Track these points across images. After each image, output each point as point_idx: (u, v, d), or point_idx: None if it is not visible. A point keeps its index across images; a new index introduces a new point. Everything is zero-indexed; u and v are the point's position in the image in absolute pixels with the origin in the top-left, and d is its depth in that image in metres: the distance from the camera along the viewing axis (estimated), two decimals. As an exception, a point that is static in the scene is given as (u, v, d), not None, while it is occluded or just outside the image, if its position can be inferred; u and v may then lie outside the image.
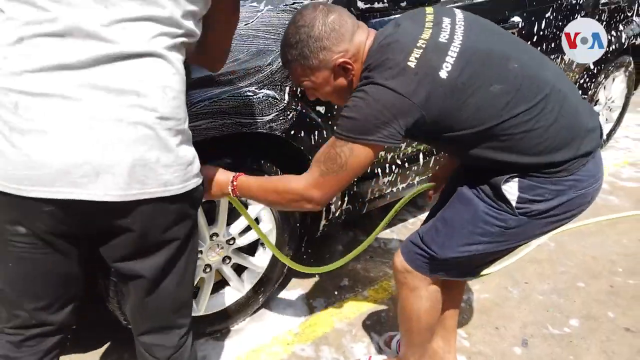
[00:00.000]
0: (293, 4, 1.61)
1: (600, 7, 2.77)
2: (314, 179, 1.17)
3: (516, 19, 2.24)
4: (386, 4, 1.65)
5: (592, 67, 2.92)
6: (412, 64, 1.09)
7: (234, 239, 1.74)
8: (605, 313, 1.98)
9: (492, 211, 1.24)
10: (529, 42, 2.35)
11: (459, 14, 1.22)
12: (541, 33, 2.42)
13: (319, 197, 1.18)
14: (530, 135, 1.14)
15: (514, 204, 1.21)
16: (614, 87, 3.34)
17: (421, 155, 2.19)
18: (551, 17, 2.44)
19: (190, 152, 0.93)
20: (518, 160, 1.17)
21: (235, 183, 1.26)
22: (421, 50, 1.10)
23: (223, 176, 1.27)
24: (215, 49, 1.13)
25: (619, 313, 1.98)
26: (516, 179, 1.20)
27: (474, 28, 1.17)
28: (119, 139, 0.82)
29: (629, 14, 3.04)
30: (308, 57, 1.19)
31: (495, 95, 1.11)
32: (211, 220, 1.66)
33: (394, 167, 2.10)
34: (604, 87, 3.22)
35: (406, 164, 2.15)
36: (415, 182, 2.26)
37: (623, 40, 3.03)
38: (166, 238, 0.96)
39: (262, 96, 1.52)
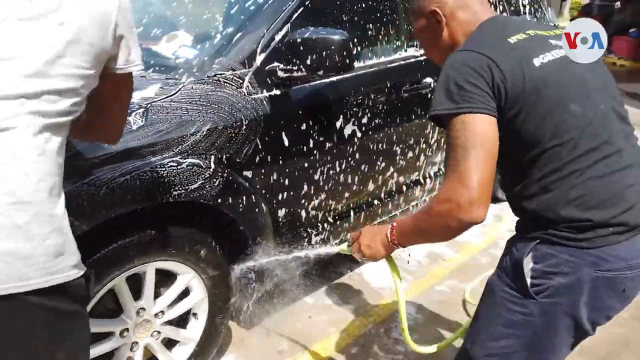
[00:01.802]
0: (214, 75, 1.66)
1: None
2: (451, 178, 1.03)
3: (428, 79, 2.42)
4: (304, 72, 1.73)
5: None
6: (512, 40, 1.09)
7: (162, 312, 1.68)
8: None
9: (511, 294, 1.11)
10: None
11: None
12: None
13: (468, 192, 1.00)
14: (569, 177, 1.04)
15: (528, 279, 1.08)
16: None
17: (352, 212, 2.26)
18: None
19: (60, 241, 0.83)
20: (542, 205, 1.07)
21: (394, 224, 1.22)
22: (527, 36, 1.11)
23: (383, 226, 1.26)
24: (109, 124, 1.08)
25: None
26: (533, 247, 1.08)
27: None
28: None
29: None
30: (413, 1, 1.30)
31: (568, 114, 1.05)
32: (137, 294, 1.60)
33: (324, 224, 2.14)
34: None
35: (337, 221, 2.20)
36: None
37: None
38: (27, 343, 0.83)
39: (187, 165, 1.53)
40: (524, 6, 3.42)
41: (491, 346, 1.15)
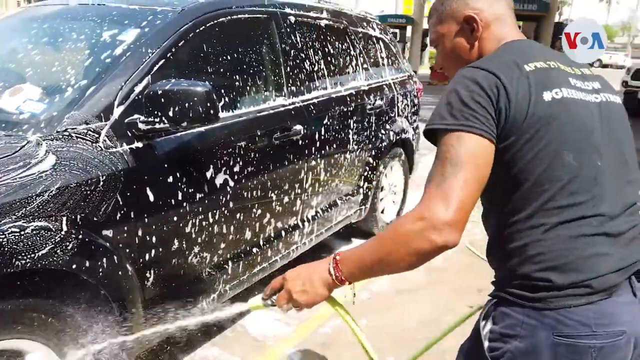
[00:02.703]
0: (65, 130, 1.55)
1: (367, 112, 3.28)
2: (433, 195, 0.92)
3: (298, 127, 2.50)
4: (167, 124, 1.69)
5: (371, 161, 3.38)
6: (528, 67, 0.99)
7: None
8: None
9: (472, 353, 1.04)
10: (313, 147, 2.64)
11: (609, 93, 1.09)
12: (322, 137, 2.73)
13: (447, 212, 0.89)
14: (537, 229, 0.96)
15: (486, 343, 0.99)
16: (394, 174, 3.90)
17: (230, 263, 2.20)
18: (328, 123, 2.79)
19: None
20: (504, 256, 1.00)
21: (337, 258, 1.03)
22: (546, 66, 1.01)
23: (317, 264, 1.06)
24: None
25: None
26: (491, 306, 1.01)
27: (607, 111, 1.05)
28: None
29: (392, 115, 3.66)
30: (445, 3, 1.14)
31: (560, 163, 0.96)
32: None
33: (201, 279, 2.06)
34: (385, 175, 3.73)
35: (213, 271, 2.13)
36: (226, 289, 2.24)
37: (392, 136, 3.59)
38: None
39: (33, 230, 1.39)
40: (382, 58, 3.73)
41: None
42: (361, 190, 3.36)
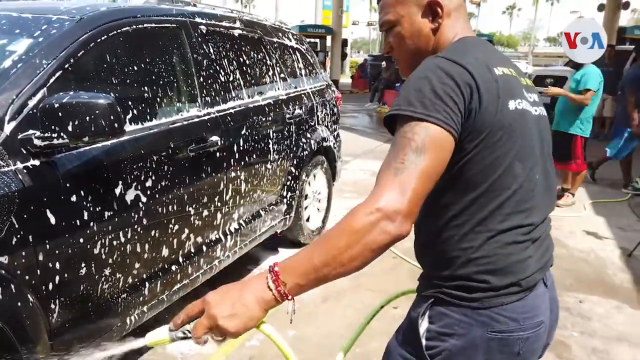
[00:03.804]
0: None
1: (287, 121, 3.28)
2: (390, 184, 0.87)
3: (214, 138, 2.45)
4: (67, 140, 1.58)
5: (293, 170, 3.38)
6: (497, 71, 0.98)
7: None
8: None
9: (406, 358, 1.04)
10: (232, 158, 2.60)
11: (542, 106, 1.12)
12: (241, 148, 2.70)
13: (402, 203, 0.85)
14: (482, 234, 0.98)
15: (423, 341, 1.00)
16: (317, 182, 3.92)
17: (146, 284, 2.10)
18: (247, 134, 2.76)
19: None
20: (445, 257, 1.01)
21: (276, 269, 0.88)
22: (509, 73, 1.01)
23: (248, 281, 0.90)
24: None
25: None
26: (428, 306, 1.01)
27: (542, 125, 1.08)
28: None
29: (312, 124, 3.69)
30: None
31: (511, 172, 0.97)
32: None
33: (116, 303, 1.94)
34: (309, 184, 3.74)
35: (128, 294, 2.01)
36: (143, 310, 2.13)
37: (313, 145, 3.62)
38: None
39: None
40: (300, 68, 3.76)
41: None
42: (285, 199, 3.35)
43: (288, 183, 3.36)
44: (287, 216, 3.43)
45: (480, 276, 0.97)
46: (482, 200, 0.97)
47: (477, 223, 0.98)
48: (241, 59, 2.94)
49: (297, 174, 3.45)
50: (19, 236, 1.52)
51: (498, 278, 0.97)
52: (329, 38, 20.04)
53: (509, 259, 0.98)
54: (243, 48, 3.00)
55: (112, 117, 1.63)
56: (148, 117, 2.13)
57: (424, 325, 1.01)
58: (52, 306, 1.67)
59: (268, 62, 3.28)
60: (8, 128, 1.56)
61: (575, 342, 2.66)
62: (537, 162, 1.03)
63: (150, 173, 2.05)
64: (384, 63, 13.32)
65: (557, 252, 3.83)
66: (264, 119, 2.99)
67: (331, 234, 0.89)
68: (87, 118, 1.58)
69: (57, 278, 1.67)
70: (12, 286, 1.50)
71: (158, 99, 2.23)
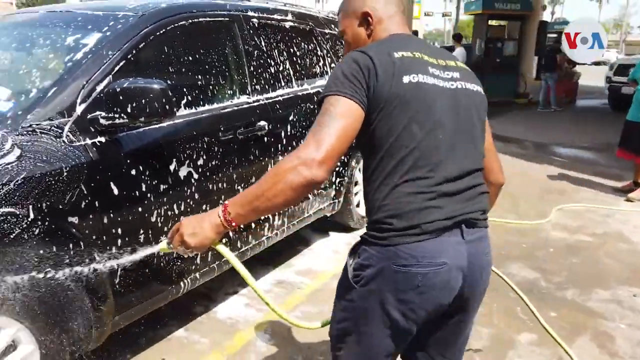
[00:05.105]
0: (29, 126, 1.70)
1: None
2: (308, 141, 1.14)
3: (262, 123, 2.65)
4: (126, 120, 1.84)
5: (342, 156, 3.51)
6: (396, 54, 1.23)
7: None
8: None
9: (343, 285, 1.29)
10: (279, 142, 2.78)
11: (467, 82, 1.32)
12: (289, 133, 2.88)
13: (317, 152, 1.11)
14: (386, 186, 1.19)
15: (350, 271, 1.25)
16: (368, 169, 4.04)
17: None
18: (294, 120, 2.94)
19: None
20: (367, 207, 1.25)
21: (226, 202, 1.19)
22: (411, 56, 1.24)
23: (210, 212, 1.22)
24: None
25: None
26: (357, 245, 1.27)
27: (461, 96, 1.28)
28: None
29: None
30: (349, 2, 1.41)
31: (407, 133, 1.18)
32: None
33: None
34: (359, 170, 3.86)
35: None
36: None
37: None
38: None
39: (0, 215, 1.53)
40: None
41: (335, 327, 1.34)
42: (333, 184, 3.49)
43: (336, 169, 3.50)
44: (336, 201, 3.57)
45: (387, 219, 1.19)
46: (386, 158, 1.20)
47: (384, 177, 1.21)
48: (291, 50, 3.12)
49: (345, 160, 3.58)
50: (86, 201, 1.79)
51: (399, 221, 1.18)
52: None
53: (409, 206, 1.19)
54: (294, 39, 3.18)
55: (164, 101, 1.86)
56: (201, 103, 2.37)
57: (353, 259, 1.26)
58: (115, 267, 1.94)
59: (319, 52, 3.43)
60: (79, 109, 1.83)
61: (621, 334, 2.59)
62: (441, 126, 1.22)
63: (202, 152, 2.28)
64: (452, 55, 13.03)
65: (619, 247, 3.75)
66: (313, 106, 3.15)
67: (265, 176, 1.16)
68: (143, 101, 1.82)
69: (119, 241, 1.94)
70: (82, 244, 1.78)
71: (211, 87, 2.46)
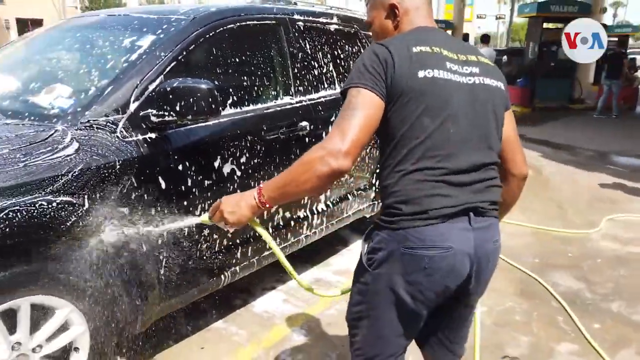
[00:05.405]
0: (87, 121, 1.83)
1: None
2: (333, 132, 1.22)
3: (304, 123, 2.71)
4: (175, 117, 1.94)
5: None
6: (414, 49, 1.28)
7: (40, 346, 1.74)
8: None
9: (359, 268, 1.37)
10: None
11: (486, 77, 1.36)
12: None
13: (342, 143, 1.19)
14: (397, 173, 1.25)
15: (365, 255, 1.33)
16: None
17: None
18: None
19: None
20: (380, 193, 1.33)
21: (261, 186, 1.32)
22: (429, 51, 1.30)
23: (247, 192, 1.36)
24: None
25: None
26: (371, 229, 1.33)
27: (479, 91, 1.33)
28: None
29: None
30: None
31: (420, 124, 1.25)
32: (13, 326, 1.66)
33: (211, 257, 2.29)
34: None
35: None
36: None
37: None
38: None
39: (59, 204, 1.65)
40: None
41: (351, 310, 1.41)
42: (373, 186, 3.52)
43: (377, 171, 3.52)
44: (376, 202, 3.59)
45: (397, 205, 1.27)
46: (398, 147, 1.27)
47: (395, 164, 1.28)
48: (335, 52, 3.17)
49: (387, 162, 3.58)
50: (136, 193, 1.91)
51: (408, 207, 1.26)
52: (449, 32, 19.43)
53: (417, 193, 1.25)
54: (338, 42, 3.23)
55: (210, 100, 1.95)
56: (246, 103, 2.46)
57: (367, 243, 1.34)
58: (161, 258, 2.05)
59: (363, 55, 3.46)
60: (133, 107, 1.96)
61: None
62: (454, 119, 1.27)
63: (245, 150, 2.37)
64: (504, 57, 12.72)
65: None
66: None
67: (294, 164, 1.26)
68: (191, 100, 1.92)
69: (165, 234, 2.05)
70: (131, 235, 1.90)
71: (256, 87, 2.55)
